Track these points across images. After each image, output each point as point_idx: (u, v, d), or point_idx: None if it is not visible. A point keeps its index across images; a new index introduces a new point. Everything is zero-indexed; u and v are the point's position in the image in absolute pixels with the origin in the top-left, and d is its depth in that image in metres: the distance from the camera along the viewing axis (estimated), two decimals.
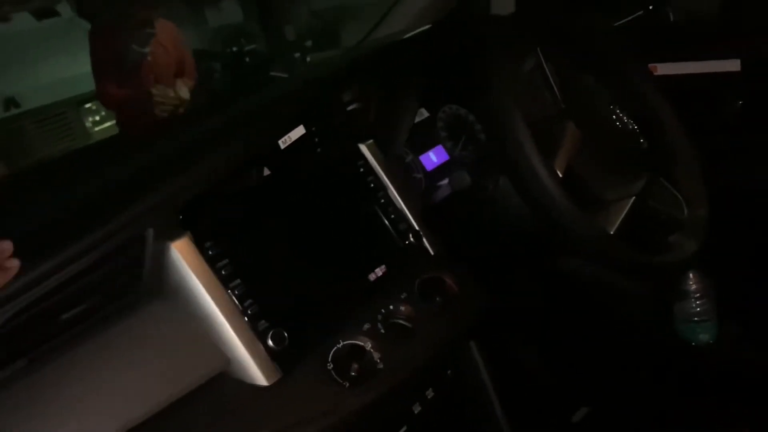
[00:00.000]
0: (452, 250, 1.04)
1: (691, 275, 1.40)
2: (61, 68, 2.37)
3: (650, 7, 1.48)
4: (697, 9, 1.53)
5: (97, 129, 2.77)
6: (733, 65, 1.27)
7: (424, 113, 1.25)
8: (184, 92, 2.14)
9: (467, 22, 1.20)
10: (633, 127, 1.09)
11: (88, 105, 2.68)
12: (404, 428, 0.94)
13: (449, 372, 1.01)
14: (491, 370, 1.05)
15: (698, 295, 1.40)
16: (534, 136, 0.92)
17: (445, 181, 1.21)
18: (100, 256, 0.73)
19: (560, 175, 0.95)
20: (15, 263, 0.61)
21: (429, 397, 0.97)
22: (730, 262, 1.45)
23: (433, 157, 1.23)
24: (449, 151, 1.25)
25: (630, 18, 1.39)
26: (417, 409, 0.96)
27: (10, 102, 2.59)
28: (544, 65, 1.04)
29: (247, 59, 4.45)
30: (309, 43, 4.43)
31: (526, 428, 1.15)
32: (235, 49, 4.67)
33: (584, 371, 1.56)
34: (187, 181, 0.80)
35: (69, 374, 0.71)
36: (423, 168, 1.21)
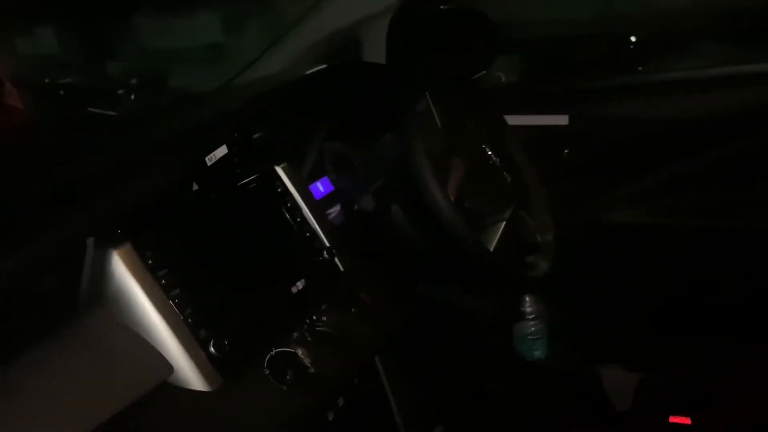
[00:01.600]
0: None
1: (527, 298, 1.61)
2: None
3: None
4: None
5: None
6: (562, 120, 1.55)
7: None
8: None
9: (362, 66, 1.33)
10: (499, 164, 1.29)
11: None
12: None
13: (356, 381, 1.08)
14: (392, 381, 1.13)
15: (533, 316, 1.60)
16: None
17: (335, 209, 1.30)
18: (38, 267, 0.70)
19: (452, 200, 1.10)
20: None
21: (340, 404, 1.03)
22: (562, 286, 1.70)
23: (320, 187, 1.32)
24: (334, 183, 1.35)
25: (477, 76, 1.62)
26: (331, 416, 1.01)
27: None
28: (432, 107, 1.19)
29: (62, 92, 4.13)
30: (135, 80, 4.25)
31: None
32: (47, 80, 4.33)
33: (441, 390, 1.70)
34: (129, 193, 0.80)
35: (3, 388, 0.67)
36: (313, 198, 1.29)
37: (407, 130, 1.07)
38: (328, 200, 1.32)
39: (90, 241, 0.75)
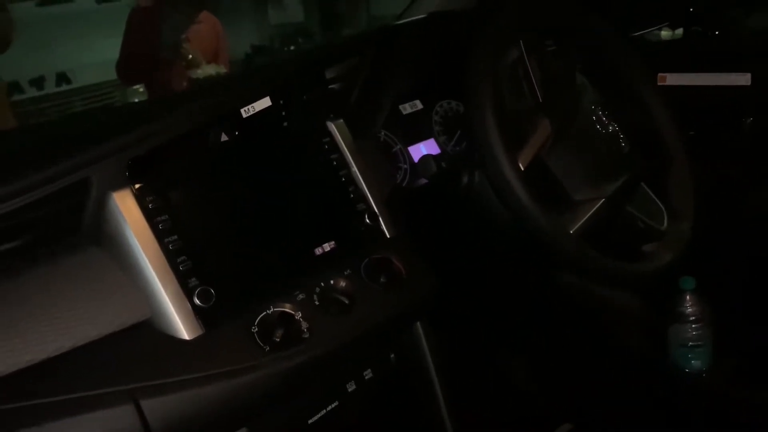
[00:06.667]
0: (423, 240, 1.03)
1: (688, 297, 1.35)
2: (114, 50, 2.48)
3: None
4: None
5: None
6: (743, 79, 1.21)
7: (418, 105, 1.25)
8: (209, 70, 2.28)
9: (460, 14, 1.20)
10: (615, 129, 1.06)
11: (136, 86, 2.78)
12: (335, 403, 0.93)
13: (392, 356, 1.00)
14: (440, 358, 1.02)
15: (694, 318, 1.35)
16: (504, 127, 0.91)
17: None
18: (44, 194, 0.76)
19: (522, 167, 0.93)
20: None
21: (366, 377, 0.96)
22: (731, 289, 1.38)
23: (423, 150, 1.23)
24: (442, 145, 1.24)
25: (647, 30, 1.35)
26: (351, 387, 0.95)
27: (62, 78, 2.74)
28: (525, 58, 1.02)
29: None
30: None
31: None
32: (292, 47, 4.80)
33: (571, 386, 1.51)
34: (136, 136, 0.83)
35: None
36: (410, 159, 1.21)
37: (474, 76, 0.92)
38: None
39: (94, 179, 0.80)
